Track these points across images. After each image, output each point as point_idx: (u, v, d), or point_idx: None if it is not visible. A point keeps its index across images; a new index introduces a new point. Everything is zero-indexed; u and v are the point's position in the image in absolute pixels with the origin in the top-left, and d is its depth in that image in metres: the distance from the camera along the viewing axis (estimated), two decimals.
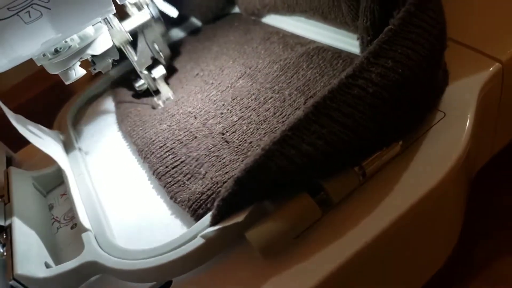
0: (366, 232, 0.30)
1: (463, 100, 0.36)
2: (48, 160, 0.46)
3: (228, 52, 0.54)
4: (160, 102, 0.50)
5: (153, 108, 0.51)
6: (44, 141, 0.43)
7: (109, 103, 0.56)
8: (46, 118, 0.49)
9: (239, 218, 0.29)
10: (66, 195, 0.44)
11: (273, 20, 0.56)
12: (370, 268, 0.33)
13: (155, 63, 0.52)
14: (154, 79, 0.51)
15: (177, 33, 0.64)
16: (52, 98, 0.59)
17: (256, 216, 0.30)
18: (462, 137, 0.34)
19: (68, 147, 0.47)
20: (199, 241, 0.31)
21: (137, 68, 0.50)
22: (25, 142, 0.53)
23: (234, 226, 0.30)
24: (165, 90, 0.51)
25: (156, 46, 0.51)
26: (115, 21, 0.45)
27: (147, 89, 0.53)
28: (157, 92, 0.52)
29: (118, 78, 0.58)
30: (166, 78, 0.54)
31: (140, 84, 0.52)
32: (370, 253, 0.30)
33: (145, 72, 0.51)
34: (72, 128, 0.52)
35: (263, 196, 0.31)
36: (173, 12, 0.53)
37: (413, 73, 0.30)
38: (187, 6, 0.62)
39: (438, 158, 0.33)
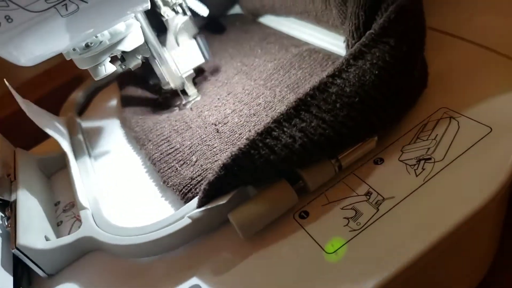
0: (401, 252, 0.29)
1: None
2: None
3: (228, 49, 0.57)
4: (189, 105, 0.49)
5: (179, 109, 0.50)
6: (49, 125, 0.46)
7: (114, 94, 0.59)
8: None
9: (223, 200, 0.32)
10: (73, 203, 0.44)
11: (272, 22, 0.58)
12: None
13: None
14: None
15: None
16: (65, 96, 0.60)
17: (240, 200, 0.33)
18: (511, 156, 0.31)
19: (72, 134, 0.50)
20: (186, 221, 0.34)
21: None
22: (30, 144, 0.55)
23: (218, 208, 0.32)
24: (192, 92, 0.50)
25: None
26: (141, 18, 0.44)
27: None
28: (183, 92, 0.50)
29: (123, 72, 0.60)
30: None
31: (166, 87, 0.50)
32: (415, 268, 0.29)
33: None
34: (77, 115, 0.55)
35: (246, 182, 0.33)
36: (204, 11, 0.50)
37: (389, 75, 0.33)
38: None
39: (482, 179, 0.30)
